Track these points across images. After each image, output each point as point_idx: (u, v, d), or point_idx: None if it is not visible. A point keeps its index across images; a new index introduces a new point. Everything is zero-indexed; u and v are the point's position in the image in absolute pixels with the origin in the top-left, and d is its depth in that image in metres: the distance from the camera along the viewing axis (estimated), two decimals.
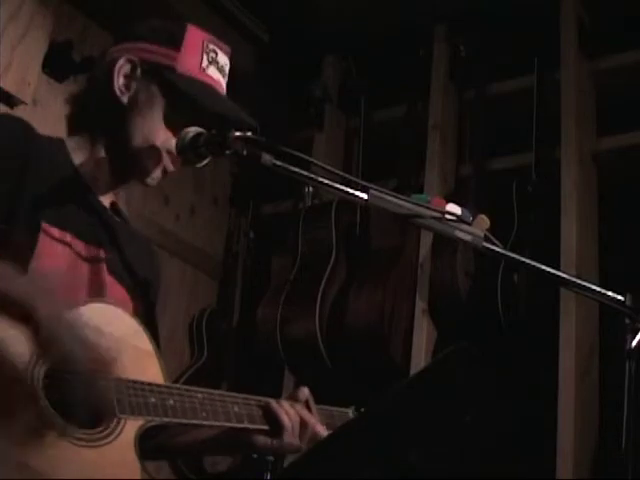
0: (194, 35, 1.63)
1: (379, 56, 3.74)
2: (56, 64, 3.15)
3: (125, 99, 1.58)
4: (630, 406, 1.34)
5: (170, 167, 1.61)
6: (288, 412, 1.60)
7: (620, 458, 1.33)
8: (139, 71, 1.58)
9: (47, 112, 3.12)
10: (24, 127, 1.55)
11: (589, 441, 2.78)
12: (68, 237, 1.50)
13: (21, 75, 2.97)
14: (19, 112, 2.96)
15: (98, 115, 1.61)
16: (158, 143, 1.57)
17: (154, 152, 1.58)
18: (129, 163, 1.60)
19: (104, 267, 1.55)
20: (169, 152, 1.58)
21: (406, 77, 3.61)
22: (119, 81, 1.58)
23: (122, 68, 1.59)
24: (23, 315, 1.28)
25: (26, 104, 2.99)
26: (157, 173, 1.61)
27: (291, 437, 1.60)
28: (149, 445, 1.45)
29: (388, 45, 3.67)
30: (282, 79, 3.88)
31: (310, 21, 3.71)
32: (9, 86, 2.92)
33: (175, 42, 1.61)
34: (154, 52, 1.60)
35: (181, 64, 1.59)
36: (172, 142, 1.55)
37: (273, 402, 1.61)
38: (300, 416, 1.61)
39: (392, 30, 3.60)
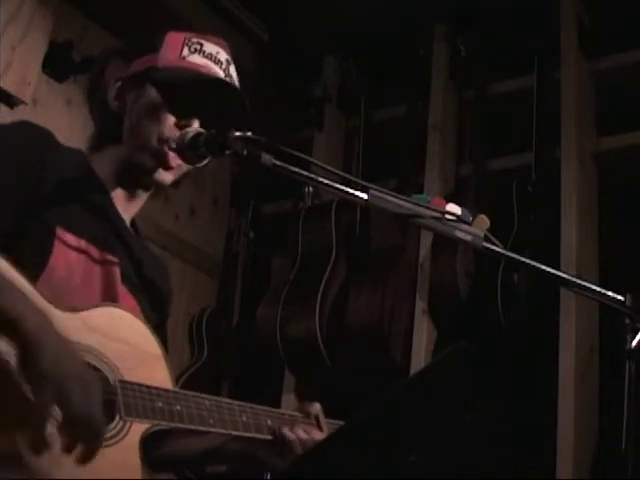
0: (172, 36, 1.66)
1: (379, 56, 3.75)
2: (56, 64, 3.15)
3: (119, 110, 1.63)
4: (630, 406, 1.34)
5: (171, 162, 1.59)
6: (303, 442, 1.59)
7: (620, 458, 1.33)
8: (128, 84, 1.63)
9: (47, 112, 3.12)
10: (44, 134, 1.57)
11: (589, 441, 2.78)
12: (83, 243, 1.51)
13: (21, 75, 2.97)
14: (19, 112, 2.97)
15: (106, 132, 1.66)
16: (150, 138, 1.58)
17: (146, 151, 1.59)
18: (134, 169, 1.62)
19: (117, 274, 1.56)
20: (166, 142, 1.57)
21: (406, 77, 3.61)
22: (112, 99, 1.64)
23: (113, 88, 1.64)
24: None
25: (26, 104, 2.99)
26: (166, 175, 1.61)
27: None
28: (152, 457, 1.45)
29: (388, 45, 3.67)
30: (282, 79, 3.88)
31: (310, 21, 3.71)
32: (9, 86, 2.92)
33: (155, 48, 1.64)
34: (139, 64, 1.64)
35: (161, 61, 1.62)
36: (169, 133, 1.57)
37: (287, 431, 1.59)
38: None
39: (392, 30, 3.60)
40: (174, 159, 1.58)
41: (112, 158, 1.63)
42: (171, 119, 1.59)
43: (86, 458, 1.24)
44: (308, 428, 1.62)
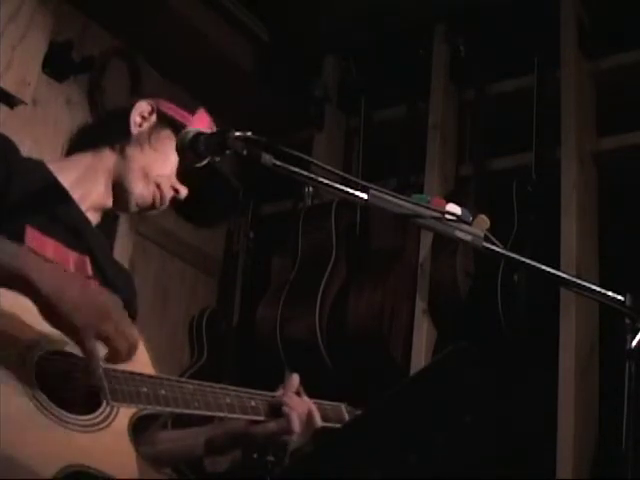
0: (204, 114, 1.81)
1: (379, 56, 3.74)
2: (56, 64, 3.15)
3: (135, 132, 1.73)
4: (630, 406, 1.34)
5: (158, 203, 1.73)
6: (298, 407, 1.65)
7: (620, 458, 1.33)
8: (155, 116, 1.75)
9: (47, 112, 3.11)
10: (6, 142, 1.61)
11: (589, 441, 2.78)
12: (53, 254, 1.54)
13: (21, 75, 2.97)
14: (19, 112, 2.97)
15: (106, 139, 1.74)
16: (152, 174, 1.70)
17: (146, 182, 1.70)
18: (121, 187, 1.71)
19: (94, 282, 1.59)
20: (159, 187, 1.71)
21: (406, 77, 3.61)
22: (135, 117, 1.74)
23: (141, 107, 1.76)
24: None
25: (26, 104, 2.99)
26: (145, 200, 1.72)
27: (295, 430, 1.64)
28: (148, 454, 1.46)
29: (388, 45, 3.67)
30: (282, 79, 3.88)
31: (310, 21, 3.71)
32: (9, 86, 2.92)
33: (191, 109, 1.79)
34: (172, 108, 1.77)
35: (192, 124, 1.72)
36: (166, 181, 1.71)
37: (284, 399, 1.66)
38: (308, 410, 1.68)
39: (392, 30, 3.60)
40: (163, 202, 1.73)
41: (108, 167, 1.71)
42: (173, 173, 1.72)
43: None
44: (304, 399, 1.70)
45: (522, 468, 2.83)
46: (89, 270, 1.59)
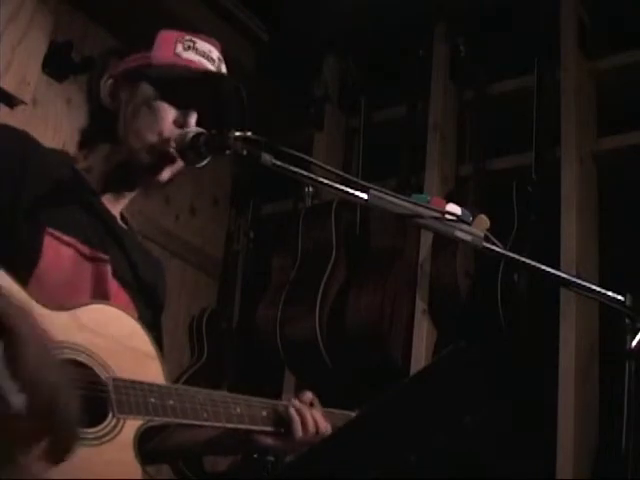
0: (165, 34, 1.67)
1: (379, 56, 3.75)
2: (56, 64, 3.15)
3: (113, 107, 1.63)
4: (630, 406, 1.34)
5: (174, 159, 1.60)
6: (305, 417, 1.63)
7: (620, 458, 1.33)
8: (121, 81, 1.64)
9: (47, 112, 3.12)
10: (24, 137, 1.57)
11: (589, 441, 2.78)
12: (73, 241, 1.51)
13: (21, 75, 2.97)
14: (19, 112, 2.97)
15: (99, 129, 1.66)
16: (154, 139, 1.59)
17: (150, 149, 1.59)
18: (133, 166, 1.61)
19: (108, 271, 1.56)
20: (167, 142, 1.59)
21: (406, 77, 3.61)
22: (105, 98, 1.64)
23: (105, 85, 1.65)
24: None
25: (26, 104, 2.99)
26: (165, 171, 1.61)
27: (302, 439, 1.62)
28: (148, 448, 1.44)
29: (388, 45, 3.67)
30: (282, 79, 3.88)
31: (310, 21, 3.71)
32: (9, 86, 2.92)
33: (147, 45, 1.65)
34: (131, 60, 1.65)
35: (155, 58, 1.63)
36: (169, 132, 1.58)
37: (291, 407, 1.63)
38: (316, 421, 1.64)
39: (392, 30, 3.61)
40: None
41: (104, 157, 1.63)
42: (169, 117, 1.60)
43: (55, 456, 1.18)
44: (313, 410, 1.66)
45: (522, 467, 2.83)
46: (108, 271, 1.55)
